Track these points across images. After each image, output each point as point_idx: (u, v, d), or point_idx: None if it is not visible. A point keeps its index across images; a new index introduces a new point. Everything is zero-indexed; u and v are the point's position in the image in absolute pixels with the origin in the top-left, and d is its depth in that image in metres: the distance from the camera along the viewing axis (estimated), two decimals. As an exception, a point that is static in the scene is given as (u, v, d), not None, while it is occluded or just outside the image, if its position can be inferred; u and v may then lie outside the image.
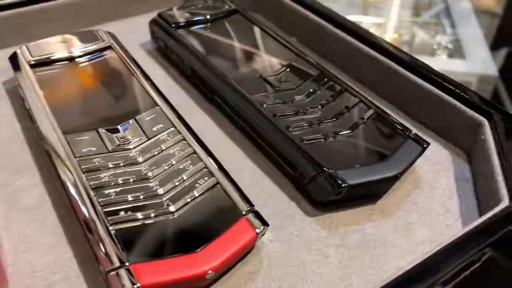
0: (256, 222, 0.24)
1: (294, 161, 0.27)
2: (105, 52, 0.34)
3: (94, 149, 0.26)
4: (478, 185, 0.28)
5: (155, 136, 0.28)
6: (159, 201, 0.24)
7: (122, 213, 0.23)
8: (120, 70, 0.33)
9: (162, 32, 0.38)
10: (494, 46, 0.71)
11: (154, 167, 0.26)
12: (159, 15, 0.39)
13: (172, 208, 0.24)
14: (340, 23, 0.38)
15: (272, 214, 0.26)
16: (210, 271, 0.21)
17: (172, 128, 0.28)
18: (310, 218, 0.27)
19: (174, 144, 0.27)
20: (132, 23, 0.44)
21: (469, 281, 0.21)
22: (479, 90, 0.63)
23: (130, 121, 0.28)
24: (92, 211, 0.23)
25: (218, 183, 0.25)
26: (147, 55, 0.40)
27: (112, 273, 0.21)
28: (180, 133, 0.28)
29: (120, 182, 0.25)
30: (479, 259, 0.21)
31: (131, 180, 0.25)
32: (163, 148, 0.27)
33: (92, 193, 0.24)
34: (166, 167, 0.26)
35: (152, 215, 0.23)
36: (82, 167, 0.25)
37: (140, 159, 0.26)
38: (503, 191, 0.25)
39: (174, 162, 0.26)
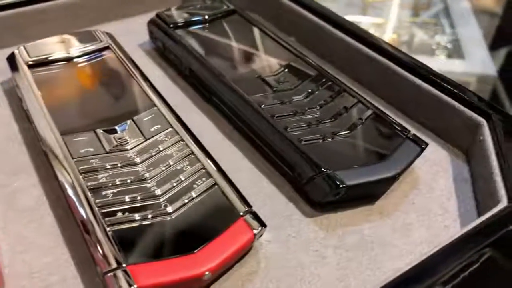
0: (254, 223, 0.24)
1: (292, 162, 0.27)
2: (103, 53, 0.34)
3: (91, 150, 0.26)
4: (476, 186, 0.28)
5: (153, 136, 0.28)
6: (156, 202, 0.24)
7: (119, 214, 0.23)
8: (118, 71, 0.33)
9: (160, 33, 0.38)
10: (493, 46, 0.71)
11: (151, 168, 0.26)
12: (157, 15, 0.39)
13: (169, 209, 0.23)
14: (338, 23, 0.38)
15: (270, 215, 0.26)
16: (207, 272, 0.21)
17: (170, 129, 0.28)
18: (308, 219, 0.26)
19: (172, 144, 0.27)
20: (130, 24, 0.43)
21: (467, 282, 0.21)
22: (478, 90, 0.63)
23: (128, 122, 0.28)
24: (89, 212, 0.23)
25: (215, 184, 0.25)
26: (145, 56, 0.39)
27: (109, 274, 0.21)
28: (178, 133, 0.28)
29: (118, 183, 0.25)
30: (477, 260, 0.21)
31: (128, 181, 0.25)
32: (161, 148, 0.27)
33: (89, 194, 0.24)
34: (163, 168, 0.26)
35: (150, 216, 0.23)
36: (80, 168, 0.25)
37: (138, 160, 0.26)
38: (502, 192, 0.25)
39: (171, 163, 0.26)
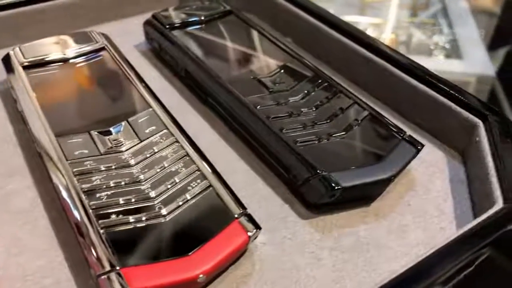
0: (249, 225, 0.23)
1: (288, 163, 0.27)
2: (99, 54, 0.34)
3: (86, 151, 0.26)
4: (472, 187, 0.28)
5: (148, 138, 0.27)
6: (151, 204, 0.24)
7: (113, 216, 0.23)
8: (114, 72, 0.33)
9: (156, 33, 0.38)
10: (491, 46, 0.71)
11: (146, 170, 0.25)
12: (153, 16, 0.39)
13: (164, 211, 0.23)
14: (335, 24, 0.38)
15: (265, 217, 0.26)
16: (201, 275, 0.21)
17: (165, 130, 0.28)
18: (303, 220, 0.26)
19: (167, 146, 0.27)
20: (126, 24, 0.43)
21: (463, 284, 0.20)
22: (476, 90, 0.63)
23: (123, 123, 0.28)
24: (83, 214, 0.23)
25: (210, 185, 0.25)
26: (141, 56, 0.39)
27: (102, 277, 0.21)
28: (173, 135, 0.28)
29: (112, 185, 0.24)
30: (473, 261, 0.21)
31: (122, 183, 0.25)
32: (156, 150, 0.27)
33: (83, 196, 0.24)
34: (158, 170, 0.25)
35: (144, 218, 0.23)
36: (74, 170, 0.25)
37: (132, 162, 0.26)
38: (497, 193, 0.25)
39: (166, 165, 0.26)
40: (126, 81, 0.32)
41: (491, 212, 0.24)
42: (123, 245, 0.22)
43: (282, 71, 0.34)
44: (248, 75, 0.33)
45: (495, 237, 0.22)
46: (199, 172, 0.26)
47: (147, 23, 0.39)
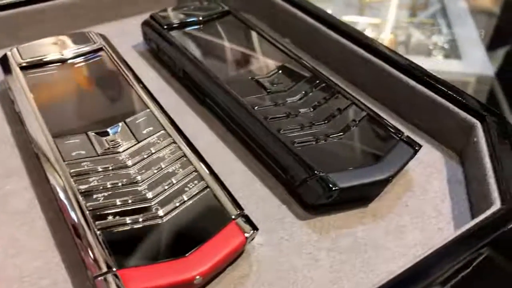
0: (246, 226, 0.23)
1: (285, 164, 0.27)
2: (97, 54, 0.34)
3: (83, 152, 0.26)
4: (470, 188, 0.28)
5: (145, 139, 0.27)
6: (148, 205, 0.24)
7: (110, 217, 0.23)
8: (111, 72, 0.33)
9: (154, 34, 0.38)
10: (490, 46, 0.71)
11: (143, 171, 0.25)
12: (151, 16, 0.39)
13: (160, 213, 0.23)
14: (333, 24, 0.38)
15: (262, 218, 0.26)
16: (198, 276, 0.21)
17: (163, 131, 0.28)
18: (301, 221, 0.26)
19: (164, 147, 0.27)
20: (124, 25, 0.43)
21: (461, 285, 0.20)
22: (475, 90, 0.63)
23: (120, 124, 0.28)
24: (80, 215, 0.23)
25: (207, 186, 0.25)
26: (139, 57, 0.39)
27: (99, 278, 0.21)
28: (170, 136, 0.28)
29: (109, 186, 0.24)
30: (471, 262, 0.21)
31: (120, 184, 0.25)
32: (153, 151, 0.27)
33: (80, 198, 0.24)
34: (155, 171, 0.25)
35: (141, 219, 0.23)
36: (71, 171, 0.25)
37: (130, 163, 0.26)
38: (495, 194, 0.25)
39: (163, 166, 0.26)
40: (123, 81, 0.32)
41: (488, 213, 0.24)
42: (120, 247, 0.22)
43: (280, 71, 0.34)
44: (246, 75, 0.33)
45: (492, 238, 0.22)
46: (196, 173, 0.26)
47: (145, 24, 0.39)
